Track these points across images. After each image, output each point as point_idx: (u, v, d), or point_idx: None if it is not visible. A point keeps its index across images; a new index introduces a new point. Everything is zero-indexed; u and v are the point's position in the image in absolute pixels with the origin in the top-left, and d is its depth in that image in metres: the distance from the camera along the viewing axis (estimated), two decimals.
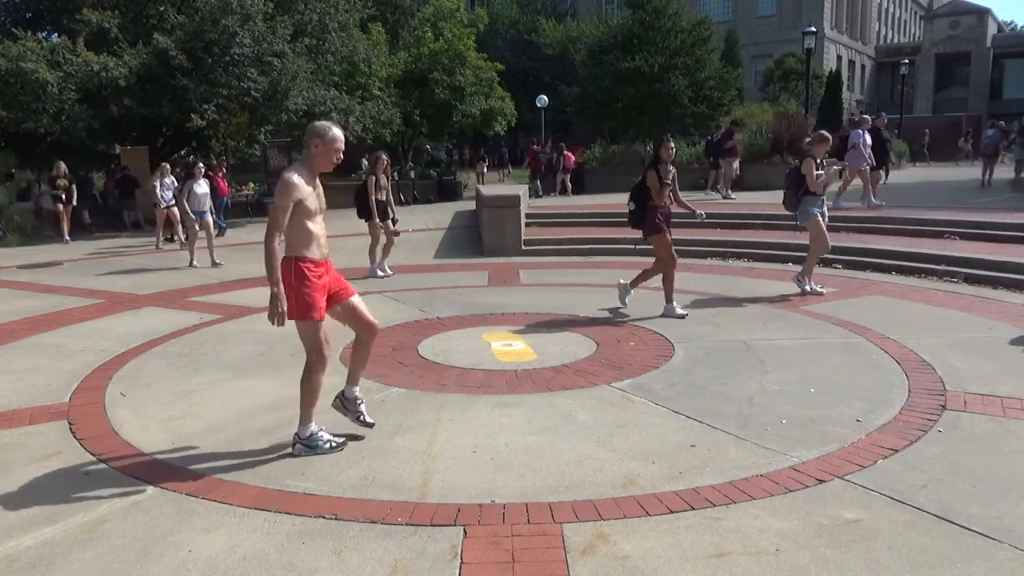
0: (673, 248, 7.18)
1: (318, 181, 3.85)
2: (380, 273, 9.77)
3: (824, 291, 7.94)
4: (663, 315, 7.01)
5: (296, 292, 3.69)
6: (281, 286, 3.65)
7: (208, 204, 11.44)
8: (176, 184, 13.13)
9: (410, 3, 28.90)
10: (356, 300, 4.01)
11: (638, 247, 9.03)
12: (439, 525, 3.14)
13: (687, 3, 30.89)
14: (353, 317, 4.00)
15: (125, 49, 15.46)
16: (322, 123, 3.84)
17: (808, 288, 7.92)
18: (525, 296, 8.27)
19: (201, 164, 11.72)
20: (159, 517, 3.26)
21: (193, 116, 15.15)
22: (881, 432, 4.07)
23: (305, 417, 3.93)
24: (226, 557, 2.92)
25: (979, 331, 6.26)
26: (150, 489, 3.54)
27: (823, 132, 8.23)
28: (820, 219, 7.88)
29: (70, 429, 4.37)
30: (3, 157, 19.75)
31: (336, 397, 4.22)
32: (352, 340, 4.23)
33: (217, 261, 11.05)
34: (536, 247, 12.06)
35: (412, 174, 24.71)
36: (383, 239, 9.89)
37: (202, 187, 11.21)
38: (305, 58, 17.45)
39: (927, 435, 4.01)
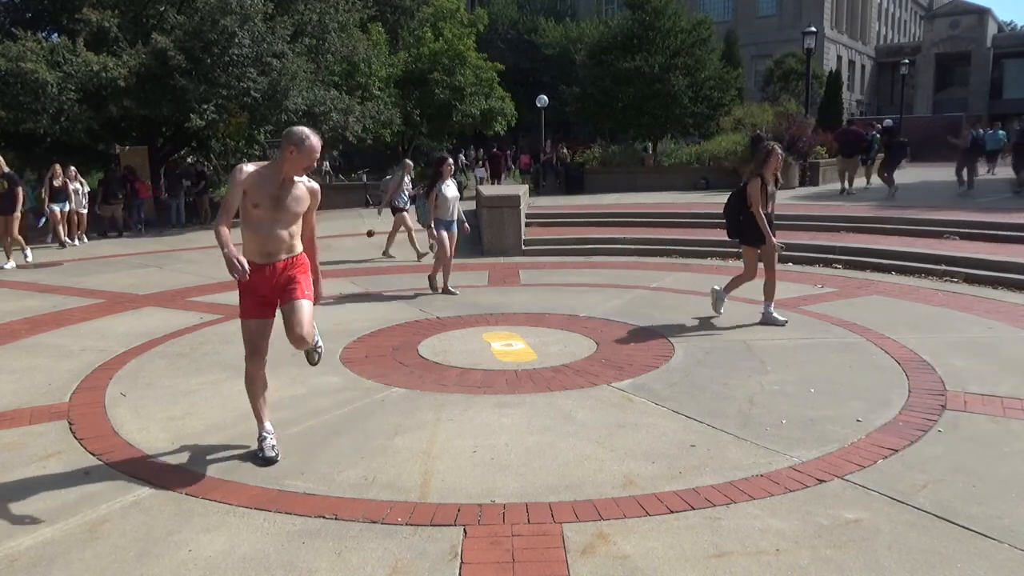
0: None
1: (293, 182, 3.70)
2: (774, 313, 6.65)
3: None
4: None
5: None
6: (230, 248, 3.52)
7: (458, 212, 8.52)
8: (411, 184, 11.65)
9: (410, 3, 28.89)
10: (294, 305, 3.77)
11: None
12: (439, 525, 3.14)
13: (687, 3, 30.86)
14: (285, 323, 3.79)
15: (124, 49, 15.45)
16: (300, 130, 3.69)
17: None
18: (525, 296, 8.27)
19: (450, 160, 8.61)
20: (159, 517, 3.26)
21: (192, 116, 15.14)
22: (881, 432, 4.07)
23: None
24: (226, 557, 2.92)
25: (979, 331, 6.26)
26: (150, 489, 3.54)
27: None
28: None
29: (70, 429, 4.37)
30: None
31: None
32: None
33: (452, 289, 8.46)
34: (536, 247, 12.07)
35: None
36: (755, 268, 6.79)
37: (452, 189, 8.37)
38: (305, 58, 17.43)
39: (927, 435, 4.01)
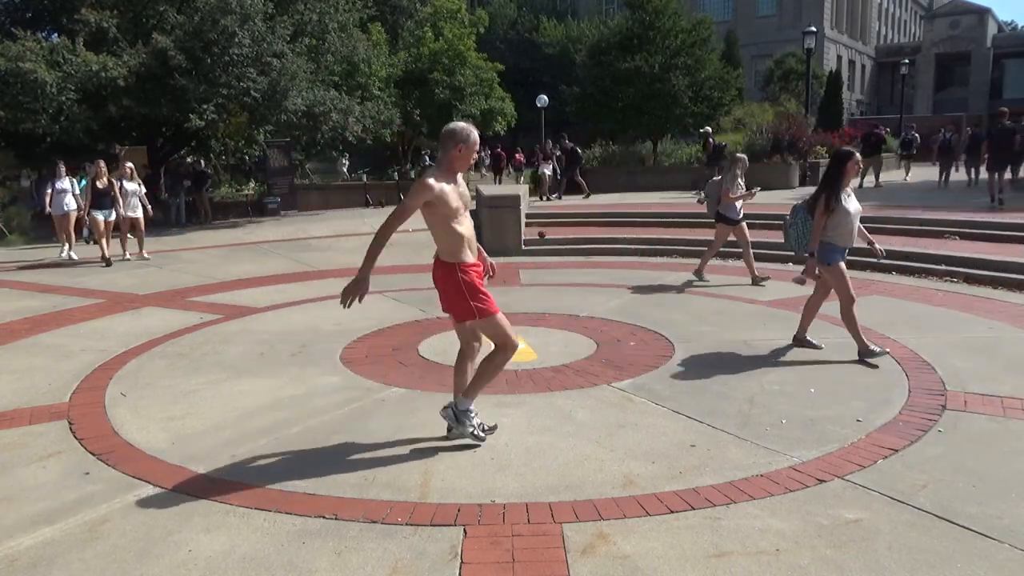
0: None
1: (461, 179, 3.88)
2: None
3: None
4: None
5: (469, 295, 3.90)
6: (368, 275, 3.70)
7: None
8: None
9: (410, 3, 28.89)
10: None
11: None
12: (439, 525, 3.14)
13: (687, 3, 30.88)
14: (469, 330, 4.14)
15: (124, 49, 15.46)
16: (463, 126, 3.85)
17: None
18: (525, 296, 8.26)
19: (857, 156, 5.65)
20: (159, 517, 3.26)
21: (192, 116, 15.14)
22: (881, 432, 4.07)
23: (472, 394, 4.07)
24: (226, 557, 2.92)
25: (979, 331, 6.26)
26: (150, 489, 3.54)
27: None
28: None
29: (70, 429, 4.37)
30: (2, 157, 19.68)
31: (447, 407, 4.15)
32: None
33: (877, 350, 5.49)
34: (536, 247, 12.07)
35: (412, 174, 24.73)
36: None
37: (854, 201, 5.61)
38: (305, 58, 17.44)
39: (927, 435, 4.01)
